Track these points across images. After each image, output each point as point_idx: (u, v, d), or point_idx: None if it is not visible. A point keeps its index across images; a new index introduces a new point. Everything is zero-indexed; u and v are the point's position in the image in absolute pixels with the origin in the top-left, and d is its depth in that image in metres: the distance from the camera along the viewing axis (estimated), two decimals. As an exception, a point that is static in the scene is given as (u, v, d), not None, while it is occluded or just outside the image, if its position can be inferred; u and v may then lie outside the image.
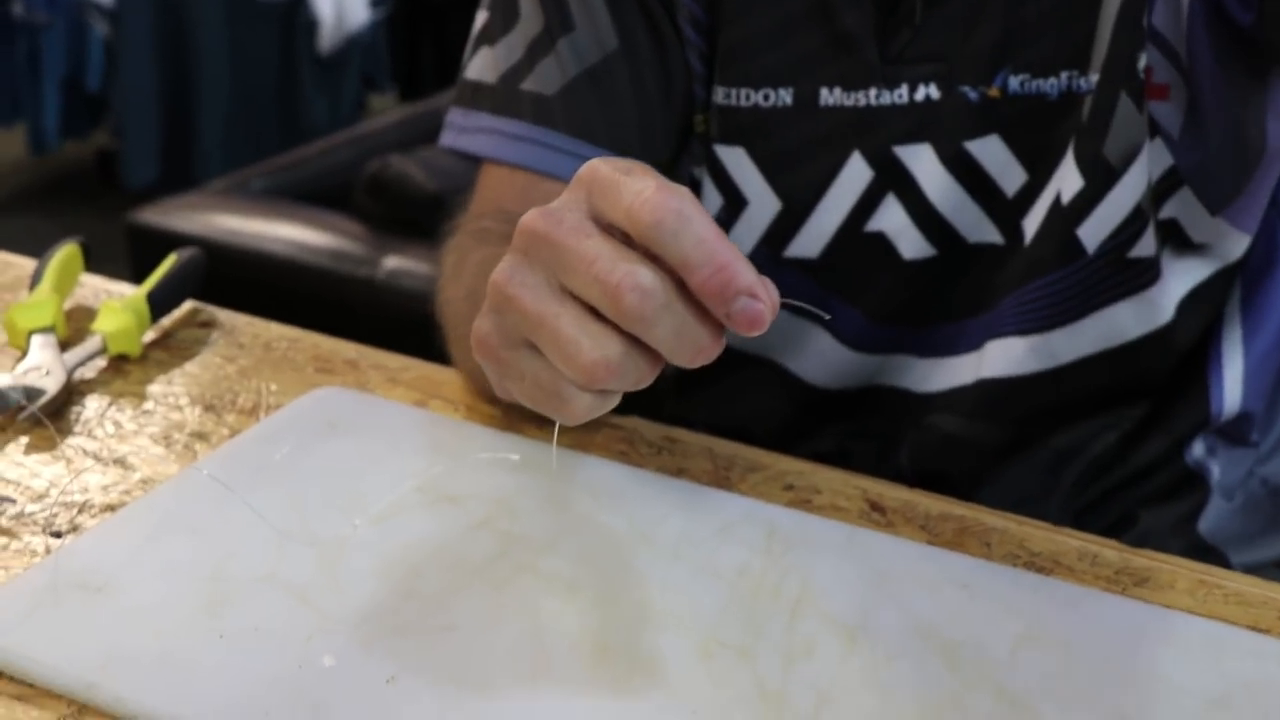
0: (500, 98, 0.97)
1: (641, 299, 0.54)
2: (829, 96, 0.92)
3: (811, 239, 0.96)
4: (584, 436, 0.88)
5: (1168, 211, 0.91)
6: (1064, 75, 0.88)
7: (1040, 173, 0.90)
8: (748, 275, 0.53)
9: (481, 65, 0.99)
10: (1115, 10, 0.85)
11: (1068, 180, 0.89)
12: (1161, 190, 0.90)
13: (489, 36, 0.98)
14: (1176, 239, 0.92)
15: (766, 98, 0.94)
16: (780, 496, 0.83)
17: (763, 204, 0.96)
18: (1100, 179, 0.88)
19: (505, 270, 0.58)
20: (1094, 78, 0.87)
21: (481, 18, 1.00)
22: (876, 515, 0.81)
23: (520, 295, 0.57)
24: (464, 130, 0.99)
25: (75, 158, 4.04)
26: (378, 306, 1.83)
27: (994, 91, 0.89)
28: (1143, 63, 0.85)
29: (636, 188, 0.54)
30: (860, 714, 0.65)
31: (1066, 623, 0.72)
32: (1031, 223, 0.92)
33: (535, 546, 0.76)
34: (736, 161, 0.96)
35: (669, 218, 0.53)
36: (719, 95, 0.95)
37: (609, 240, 0.55)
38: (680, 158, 1.01)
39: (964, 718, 0.65)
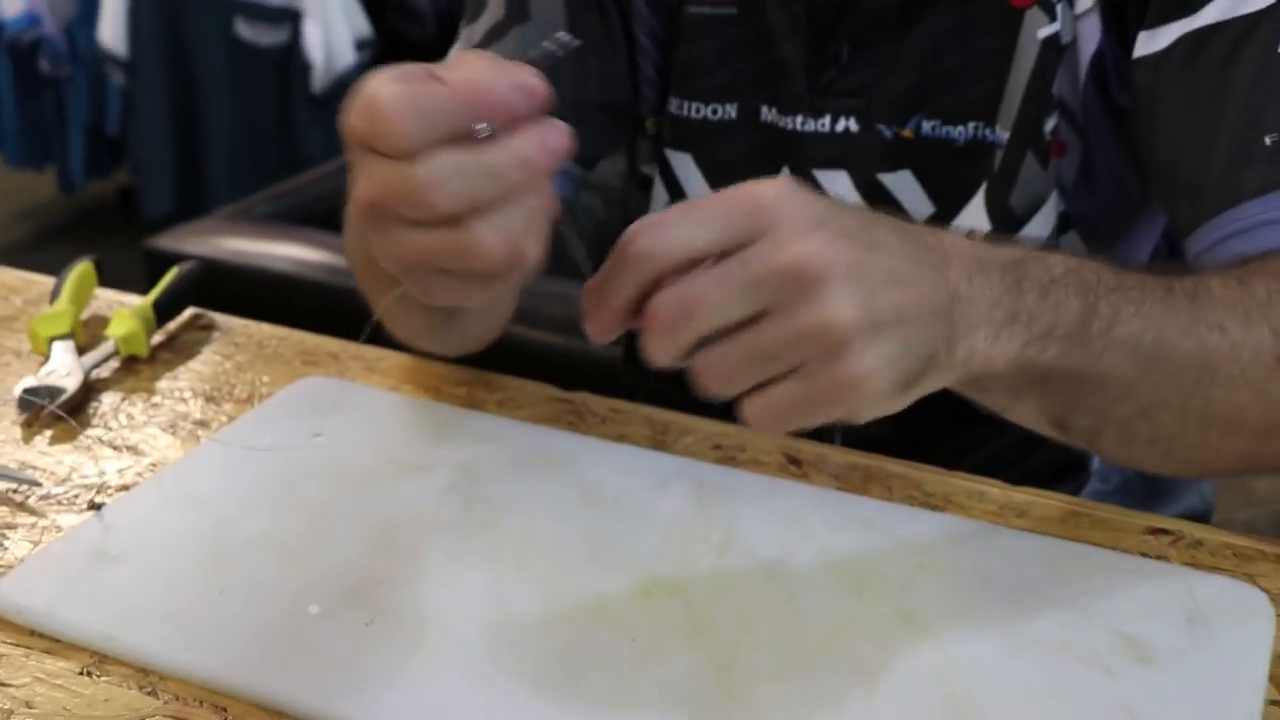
0: None
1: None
2: (768, 113, 0.92)
3: None
4: (539, 411, 0.89)
5: (1062, 246, 0.90)
6: (971, 125, 0.87)
7: (946, 207, 0.89)
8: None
9: (456, 47, 0.97)
10: (1025, 78, 0.84)
11: (976, 223, 0.88)
12: (1056, 230, 0.90)
13: (467, 19, 0.96)
14: None
15: (715, 111, 0.93)
16: (710, 455, 0.84)
17: None
18: (1006, 225, 0.87)
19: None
20: (1002, 133, 0.86)
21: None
22: (794, 467, 0.82)
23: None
24: None
25: (100, 195, 4.02)
26: (367, 313, 1.82)
27: (907, 132, 0.88)
28: (1049, 126, 0.85)
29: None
30: (778, 637, 0.66)
31: (956, 552, 0.73)
32: None
33: (495, 506, 0.77)
34: (684, 166, 0.96)
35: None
36: (672, 105, 0.95)
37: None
38: (619, 149, 1.00)
39: (868, 635, 0.67)
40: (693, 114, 0.94)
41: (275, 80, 3.44)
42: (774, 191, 0.56)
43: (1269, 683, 0.64)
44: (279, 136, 3.47)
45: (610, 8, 0.93)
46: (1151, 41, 0.78)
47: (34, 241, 3.86)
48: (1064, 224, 0.88)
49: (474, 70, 0.54)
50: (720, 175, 0.95)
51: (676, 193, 0.97)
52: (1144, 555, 0.73)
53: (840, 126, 0.90)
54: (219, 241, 2.10)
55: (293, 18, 3.35)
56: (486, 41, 0.92)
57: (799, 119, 0.91)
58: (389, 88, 0.52)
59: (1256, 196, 0.75)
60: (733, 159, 0.94)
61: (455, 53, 0.82)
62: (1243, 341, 0.68)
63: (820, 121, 0.90)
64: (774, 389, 0.57)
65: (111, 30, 3.38)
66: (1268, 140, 0.74)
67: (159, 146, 3.50)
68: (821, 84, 0.89)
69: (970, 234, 0.66)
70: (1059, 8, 0.82)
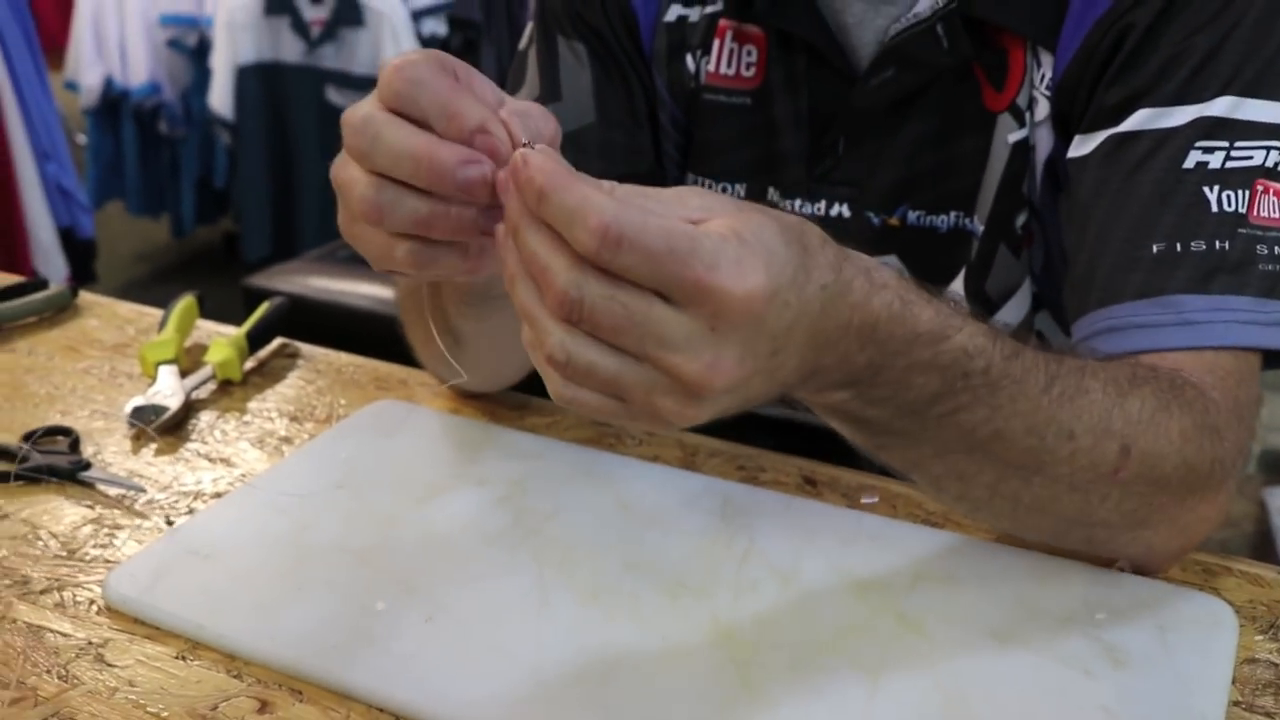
0: None
1: (353, 135, 0.56)
2: (772, 194, 0.90)
3: None
4: (582, 434, 0.89)
5: (1037, 325, 0.88)
6: (953, 214, 0.85)
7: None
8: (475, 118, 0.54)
9: None
10: (998, 176, 0.82)
11: None
12: (1030, 310, 0.88)
13: (510, 88, 0.95)
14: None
15: (725, 189, 0.92)
16: (734, 474, 0.84)
17: None
18: (983, 308, 0.85)
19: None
20: (979, 224, 0.84)
21: (508, 77, 0.97)
22: (809, 487, 0.82)
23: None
24: None
25: (206, 239, 4.06)
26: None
27: (894, 220, 0.86)
28: (1020, 220, 0.83)
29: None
30: (792, 638, 0.66)
31: (953, 564, 0.73)
32: None
33: (541, 516, 0.77)
34: None
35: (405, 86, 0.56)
36: (689, 179, 0.94)
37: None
38: None
39: (873, 636, 0.66)
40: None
41: (361, 141, 3.46)
42: (731, 286, 0.48)
43: (1232, 685, 0.64)
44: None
45: (636, 91, 0.92)
46: (1082, 145, 0.76)
47: (150, 280, 3.90)
48: (1037, 304, 0.86)
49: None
50: None
51: None
52: (1121, 570, 0.72)
53: (834, 212, 0.88)
54: (306, 280, 2.12)
55: (376, 85, 3.37)
56: None
57: (798, 202, 0.89)
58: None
59: (1132, 300, 0.71)
60: None
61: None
62: (1087, 449, 0.63)
63: (816, 206, 0.88)
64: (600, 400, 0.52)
65: (220, 97, 3.42)
66: (1154, 249, 0.71)
67: (258, 198, 3.53)
68: (818, 172, 0.88)
69: (907, 286, 0.58)
70: (1026, 115, 0.81)
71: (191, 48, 3.64)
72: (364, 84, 3.38)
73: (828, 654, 0.65)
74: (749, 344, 0.50)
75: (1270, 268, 0.70)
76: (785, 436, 0.93)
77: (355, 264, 2.27)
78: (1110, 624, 0.67)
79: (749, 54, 0.89)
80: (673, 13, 0.90)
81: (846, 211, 0.88)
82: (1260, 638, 0.68)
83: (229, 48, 3.37)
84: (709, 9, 0.89)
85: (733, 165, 0.91)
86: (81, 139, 3.99)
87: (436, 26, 3.60)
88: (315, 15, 3.33)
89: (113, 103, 3.72)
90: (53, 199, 3.14)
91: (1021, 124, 0.81)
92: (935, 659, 0.64)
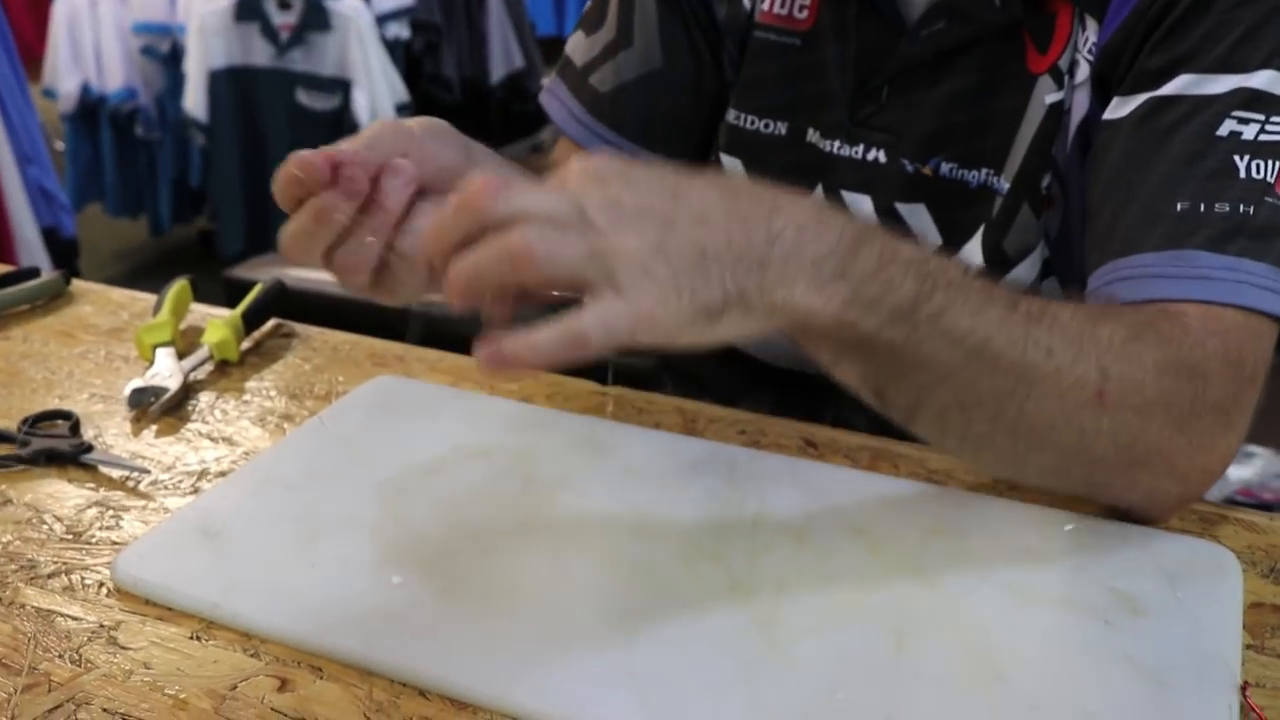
0: (577, 81, 0.93)
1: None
2: (812, 135, 0.87)
3: None
4: (583, 403, 0.83)
5: (1043, 291, 0.84)
6: (984, 171, 0.81)
7: (952, 241, 0.83)
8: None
9: (575, 45, 0.95)
10: (1030, 136, 0.79)
11: (972, 259, 0.82)
12: (1040, 275, 0.84)
13: (585, 25, 0.95)
14: None
15: (767, 126, 0.88)
16: (737, 439, 0.79)
17: None
18: (998, 265, 0.81)
19: None
20: (1005, 183, 0.80)
21: (589, 4, 0.96)
22: (811, 449, 0.77)
23: None
24: (551, 95, 0.96)
25: (183, 237, 3.96)
26: (412, 331, 1.78)
27: (927, 170, 0.83)
28: (1045, 182, 0.79)
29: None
30: (810, 594, 0.61)
31: (961, 519, 0.68)
32: None
33: (550, 485, 0.72)
34: (734, 170, 0.91)
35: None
36: (730, 116, 0.90)
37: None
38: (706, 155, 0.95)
39: (889, 589, 0.62)
40: (747, 125, 0.89)
41: (329, 139, 3.37)
42: (580, 179, 0.54)
43: (1243, 630, 0.60)
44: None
45: (696, 31, 0.91)
46: (1120, 107, 0.72)
47: (128, 277, 3.79)
48: (1047, 270, 0.83)
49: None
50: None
51: None
52: (1124, 521, 0.68)
53: (870, 156, 0.85)
54: (286, 270, 2.05)
55: (344, 86, 3.30)
56: (601, 58, 0.92)
57: (836, 144, 0.86)
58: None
59: (1151, 251, 0.68)
60: (776, 170, 0.89)
61: (566, 58, 0.95)
62: (1067, 368, 0.60)
63: (855, 149, 0.85)
64: (543, 328, 0.52)
65: (194, 100, 3.34)
66: (1179, 206, 0.67)
67: (232, 196, 3.46)
68: (860, 116, 0.84)
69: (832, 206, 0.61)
70: (1065, 78, 0.77)
71: (165, 54, 3.55)
72: (332, 85, 3.31)
73: (848, 611, 0.60)
74: (627, 183, 0.53)
75: None
76: (786, 393, 0.89)
77: (331, 254, 2.21)
78: (1121, 573, 0.63)
79: None
80: None
81: (883, 157, 0.84)
82: (1263, 581, 0.65)
83: (201, 53, 3.29)
84: None
85: (776, 103, 0.88)
86: (60, 145, 3.87)
87: (400, 30, 3.53)
88: (284, 20, 3.25)
89: (90, 108, 3.61)
90: (35, 200, 3.04)
91: (1060, 86, 0.77)
92: (955, 614, 0.60)
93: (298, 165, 0.60)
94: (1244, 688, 0.56)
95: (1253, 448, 2.36)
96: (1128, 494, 0.67)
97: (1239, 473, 2.33)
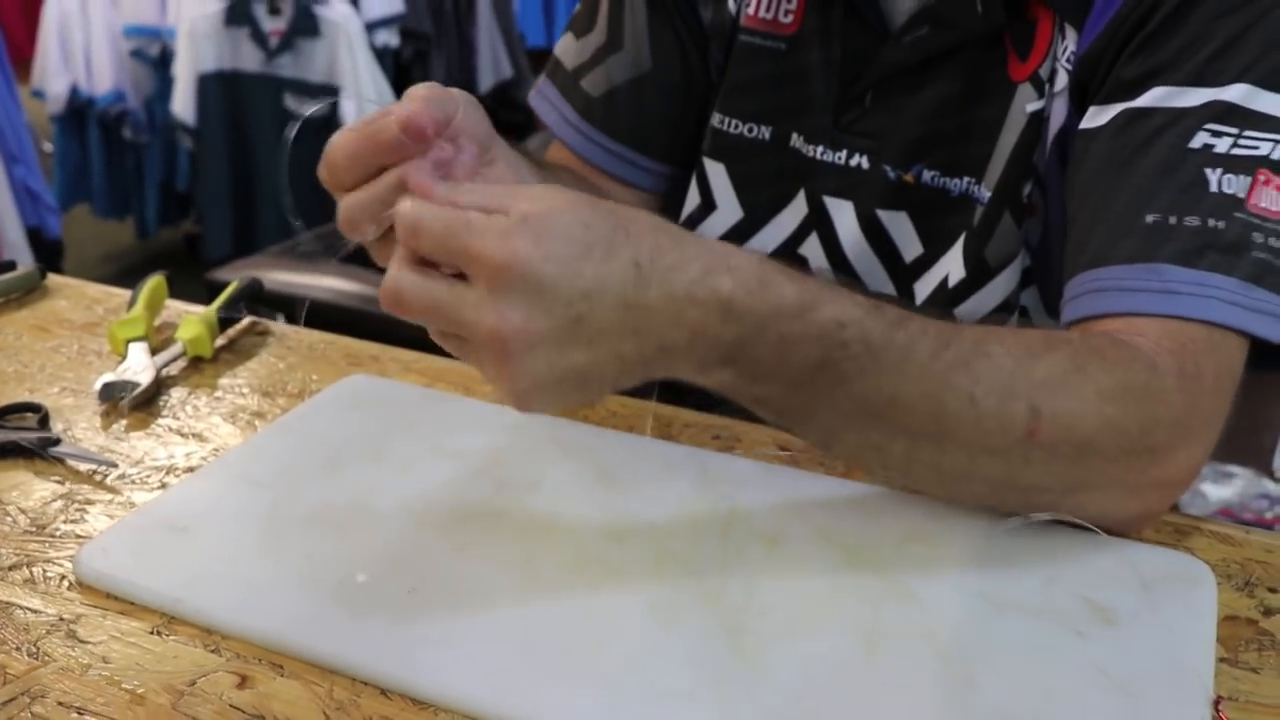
0: (567, 83, 0.93)
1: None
2: (796, 140, 0.86)
3: (757, 248, 0.90)
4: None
5: (1024, 300, 0.83)
6: (965, 179, 0.81)
7: (933, 250, 0.83)
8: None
9: (564, 48, 0.94)
10: (1011, 144, 0.78)
11: (953, 268, 0.82)
12: (1022, 284, 0.83)
13: (575, 28, 0.94)
14: (1028, 324, 0.84)
15: (750, 130, 0.88)
16: (711, 444, 0.78)
17: (728, 212, 0.90)
18: (979, 274, 0.80)
19: None
20: (985, 191, 0.80)
21: (579, 6, 0.95)
22: (784, 454, 0.76)
23: None
24: (542, 97, 0.95)
25: (170, 240, 3.93)
26: (392, 333, 1.77)
27: (909, 177, 0.82)
28: (1026, 191, 0.78)
29: None
30: (781, 600, 0.60)
31: (935, 527, 0.67)
32: (922, 289, 0.85)
33: (522, 488, 0.71)
34: (717, 174, 0.90)
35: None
36: (715, 119, 0.90)
37: None
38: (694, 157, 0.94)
39: (861, 595, 0.61)
40: (731, 129, 0.89)
41: (316, 145, 3.38)
42: (492, 250, 0.52)
43: (1217, 643, 0.59)
44: (319, 188, 3.41)
45: (684, 34, 0.90)
46: (1096, 117, 0.72)
47: (116, 279, 3.74)
48: (1028, 278, 0.82)
49: (404, 109, 0.58)
50: (746, 186, 0.89)
51: (706, 196, 0.91)
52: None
53: (854, 162, 0.84)
54: (268, 273, 2.03)
55: (332, 92, 3.29)
56: (591, 62, 0.92)
57: (820, 149, 0.85)
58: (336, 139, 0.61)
59: (1121, 264, 0.67)
60: (758, 174, 0.88)
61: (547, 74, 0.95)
62: (991, 413, 0.60)
63: (838, 154, 0.85)
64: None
65: (183, 104, 3.33)
66: (1149, 219, 0.67)
67: (219, 200, 3.45)
68: (843, 121, 0.84)
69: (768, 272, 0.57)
70: (1046, 86, 0.76)
71: (154, 57, 3.53)
72: (320, 91, 3.30)
73: (819, 618, 0.59)
74: (533, 302, 0.52)
75: (1261, 255, 0.65)
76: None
77: (313, 258, 2.19)
78: (1095, 583, 0.62)
79: (789, 1, 0.86)
80: None
81: (865, 163, 0.84)
82: (1238, 594, 0.64)
83: (191, 57, 3.27)
84: None
85: (760, 108, 0.88)
86: (48, 146, 3.85)
87: (389, 38, 3.52)
88: (274, 26, 3.24)
89: (78, 110, 3.60)
90: (20, 200, 3.03)
91: (1041, 95, 0.77)
92: (927, 621, 0.59)
93: (404, 127, 0.57)
94: (1217, 702, 0.55)
95: (1233, 468, 2.35)
96: (1078, 513, 0.66)
97: (1219, 493, 2.33)
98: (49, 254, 3.15)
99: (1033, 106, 0.77)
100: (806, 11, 0.85)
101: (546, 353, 0.53)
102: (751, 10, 0.87)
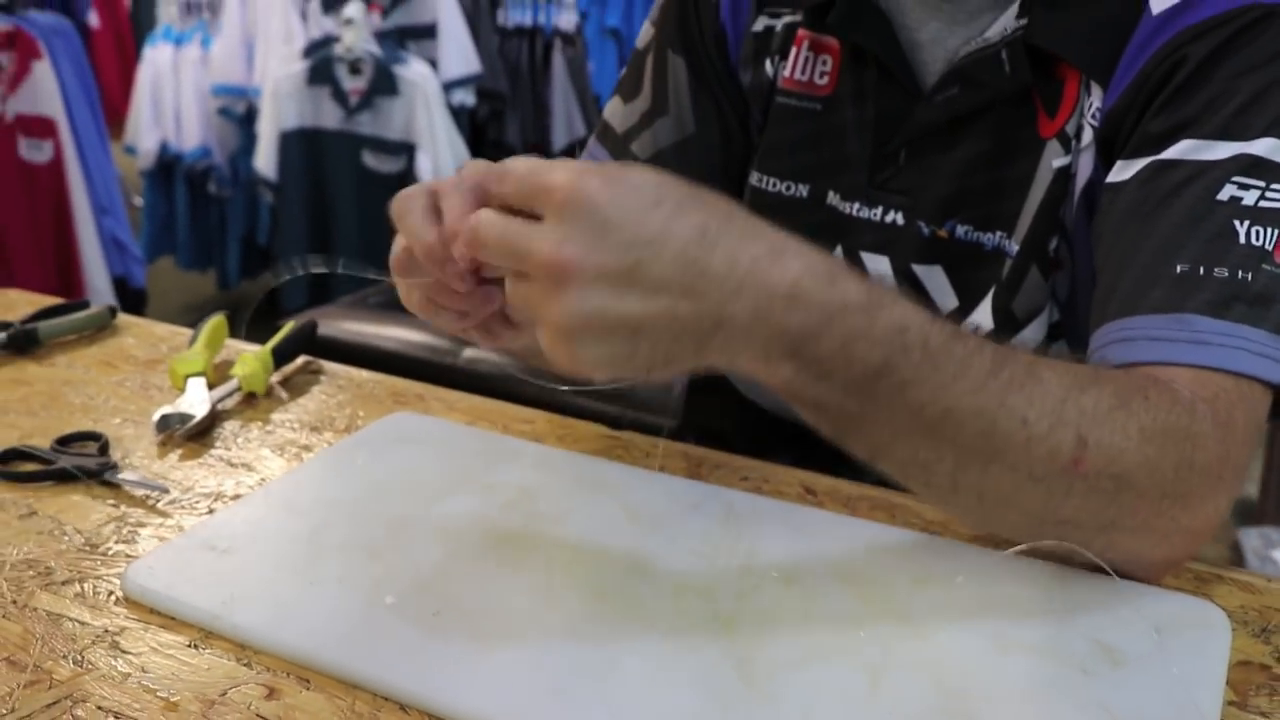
0: (618, 147, 0.95)
1: (398, 204, 0.63)
2: (832, 197, 0.88)
3: None
4: (592, 445, 0.85)
5: (1051, 354, 0.84)
6: (997, 234, 0.82)
7: (967, 303, 0.84)
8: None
9: (613, 110, 0.96)
10: (1039, 200, 0.79)
11: (984, 320, 0.83)
12: (1050, 338, 0.84)
13: (622, 92, 0.96)
14: None
15: (789, 188, 0.90)
16: (739, 485, 0.79)
17: None
18: (1006, 327, 0.82)
19: None
20: (1014, 245, 0.81)
21: (625, 71, 0.98)
22: (810, 496, 0.78)
23: None
24: (594, 159, 0.97)
25: (250, 291, 4.05)
26: (457, 385, 1.80)
27: (943, 233, 0.84)
28: (1053, 245, 0.80)
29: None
30: (792, 633, 0.62)
31: (950, 568, 0.68)
32: None
33: (550, 520, 0.73)
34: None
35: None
36: (753, 178, 0.92)
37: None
38: None
39: (873, 635, 0.62)
40: (769, 188, 0.91)
41: (392, 198, 3.46)
42: (562, 180, 0.54)
43: (1227, 686, 0.59)
44: (391, 244, 3.49)
45: (724, 101, 0.93)
46: (1123, 170, 0.73)
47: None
48: (1055, 332, 0.82)
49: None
50: None
51: None
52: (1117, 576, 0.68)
53: (889, 218, 0.86)
54: (340, 324, 2.09)
55: (409, 150, 3.37)
56: (639, 126, 0.94)
57: (856, 205, 0.87)
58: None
59: (1149, 313, 0.68)
60: (796, 230, 0.89)
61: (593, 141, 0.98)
62: (1042, 437, 0.60)
63: (874, 211, 0.86)
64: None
65: (265, 160, 3.43)
66: (1178, 269, 0.67)
67: (297, 252, 3.53)
68: (878, 179, 0.86)
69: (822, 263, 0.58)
70: (1072, 142, 0.78)
71: (240, 115, 3.66)
72: (397, 149, 3.38)
73: (828, 652, 0.60)
74: (596, 237, 0.53)
75: None
76: (790, 445, 0.89)
77: (383, 310, 2.25)
78: (1106, 626, 0.63)
79: (824, 63, 0.89)
80: (760, 23, 0.91)
81: (900, 219, 0.85)
82: (1254, 640, 0.64)
83: (274, 114, 3.38)
84: (788, 19, 0.90)
85: (798, 166, 0.90)
86: (138, 200, 3.99)
87: (465, 97, 3.60)
88: (354, 85, 3.34)
89: (167, 165, 3.73)
90: (108, 250, 3.14)
91: (1067, 151, 0.78)
92: (935, 658, 0.60)
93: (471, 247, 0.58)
94: (1219, 742, 0.55)
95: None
96: (1107, 554, 0.66)
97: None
98: (133, 303, 3.25)
99: (1059, 162, 0.78)
100: (841, 73, 0.87)
101: (600, 292, 0.53)
102: (788, 72, 0.90)
